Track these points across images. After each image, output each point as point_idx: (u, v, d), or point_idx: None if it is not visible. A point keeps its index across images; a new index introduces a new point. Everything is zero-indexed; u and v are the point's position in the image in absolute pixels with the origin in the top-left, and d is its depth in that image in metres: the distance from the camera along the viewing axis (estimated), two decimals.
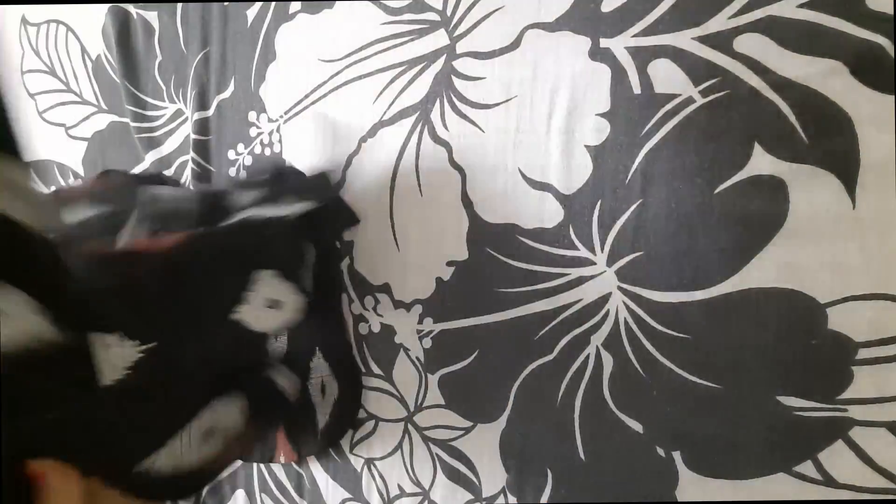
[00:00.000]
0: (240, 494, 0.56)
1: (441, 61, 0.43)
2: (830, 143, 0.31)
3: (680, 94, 0.35)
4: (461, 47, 0.42)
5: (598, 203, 0.38)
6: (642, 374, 0.37)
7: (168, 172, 0.60)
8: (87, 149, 0.67)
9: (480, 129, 0.42)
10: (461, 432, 0.44)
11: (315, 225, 0.45)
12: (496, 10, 0.41)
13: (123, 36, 0.62)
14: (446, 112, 0.43)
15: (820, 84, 0.31)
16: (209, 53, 0.55)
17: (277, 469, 0.53)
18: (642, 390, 0.37)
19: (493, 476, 0.42)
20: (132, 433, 0.30)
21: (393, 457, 0.47)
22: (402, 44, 0.45)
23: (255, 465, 0.55)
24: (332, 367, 0.48)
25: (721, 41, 0.34)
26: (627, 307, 0.37)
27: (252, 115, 0.53)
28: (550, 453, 0.40)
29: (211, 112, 0.56)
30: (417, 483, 0.46)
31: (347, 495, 0.50)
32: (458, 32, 0.42)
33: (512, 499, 0.42)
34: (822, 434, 0.32)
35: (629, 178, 0.37)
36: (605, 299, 0.38)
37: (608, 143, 0.37)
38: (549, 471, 0.40)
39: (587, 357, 0.39)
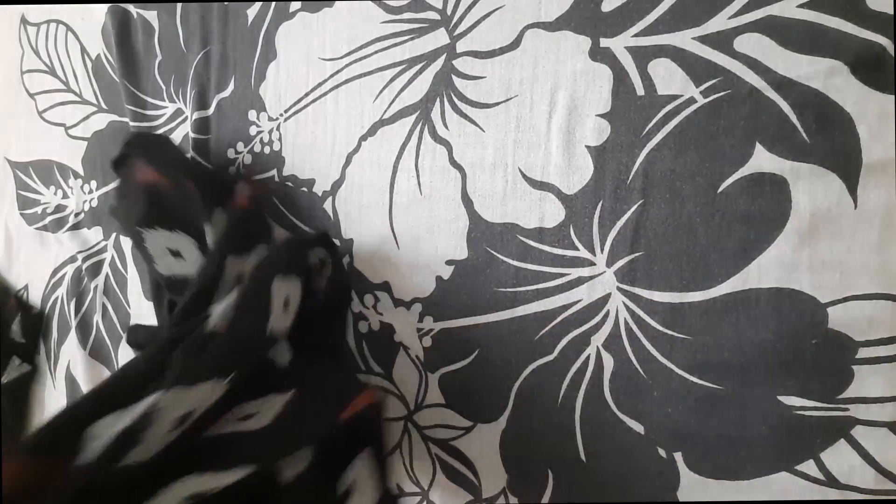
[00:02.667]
0: None
1: (441, 60, 0.43)
2: (832, 142, 0.31)
3: (681, 95, 0.35)
4: (461, 46, 0.42)
5: (599, 203, 0.38)
6: (643, 375, 0.37)
7: None
8: (87, 148, 0.67)
9: (481, 128, 0.42)
10: (461, 432, 0.44)
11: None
12: (496, 9, 0.41)
13: (123, 35, 0.62)
14: (446, 111, 0.43)
15: (820, 83, 0.31)
16: (209, 53, 0.55)
17: None
18: (643, 391, 0.37)
19: (493, 476, 0.42)
20: None
21: (392, 456, 0.47)
22: (402, 42, 0.45)
23: None
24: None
25: (721, 41, 0.34)
26: (627, 308, 0.37)
27: (252, 114, 0.53)
28: (551, 454, 0.40)
29: (211, 111, 0.56)
30: (417, 483, 0.46)
31: None
32: (458, 31, 0.42)
33: (512, 499, 0.41)
34: (823, 433, 0.32)
35: (630, 178, 0.37)
36: (604, 300, 0.38)
37: (609, 143, 0.37)
38: (549, 471, 0.40)
39: (587, 357, 0.39)
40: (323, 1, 0.48)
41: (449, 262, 0.43)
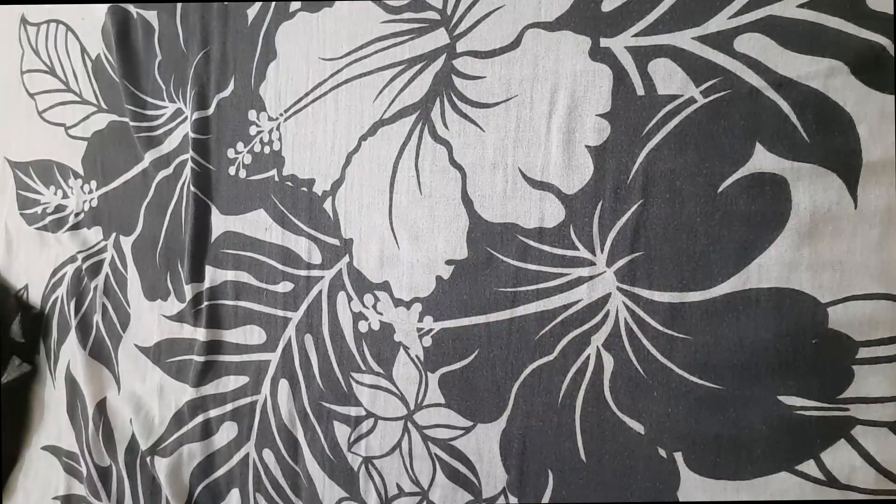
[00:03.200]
0: (234, 494, 0.56)
1: (441, 60, 0.43)
2: (832, 142, 0.31)
3: (681, 95, 0.35)
4: (461, 46, 0.42)
5: (599, 203, 0.38)
6: (643, 375, 0.37)
7: (167, 172, 0.60)
8: (86, 148, 0.67)
9: (481, 128, 0.42)
10: (461, 432, 0.44)
11: None
12: (496, 9, 0.41)
13: (123, 35, 0.62)
14: (446, 111, 0.43)
15: (820, 83, 0.31)
16: (209, 52, 0.55)
17: (273, 467, 0.53)
18: (643, 391, 0.37)
19: (493, 476, 0.42)
20: None
21: (392, 455, 0.47)
22: (402, 42, 0.45)
23: (250, 464, 0.55)
24: None
25: (721, 41, 0.34)
26: (627, 307, 0.37)
27: (252, 114, 0.53)
28: (551, 454, 0.40)
29: (211, 111, 0.56)
30: (416, 483, 0.46)
31: (344, 494, 0.49)
32: (458, 31, 0.42)
33: (512, 499, 0.41)
34: (824, 433, 0.32)
35: (630, 178, 0.37)
36: (604, 300, 0.38)
37: (609, 143, 0.37)
38: (549, 471, 0.40)
39: (587, 357, 0.39)
40: (323, 1, 0.49)
41: (449, 262, 0.43)
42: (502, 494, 0.42)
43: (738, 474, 0.34)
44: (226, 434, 0.56)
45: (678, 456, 0.36)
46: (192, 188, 0.56)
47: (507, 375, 0.41)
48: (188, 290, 0.56)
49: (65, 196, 0.69)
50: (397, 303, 0.46)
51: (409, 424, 0.46)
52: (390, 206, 0.46)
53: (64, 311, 0.68)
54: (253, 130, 0.53)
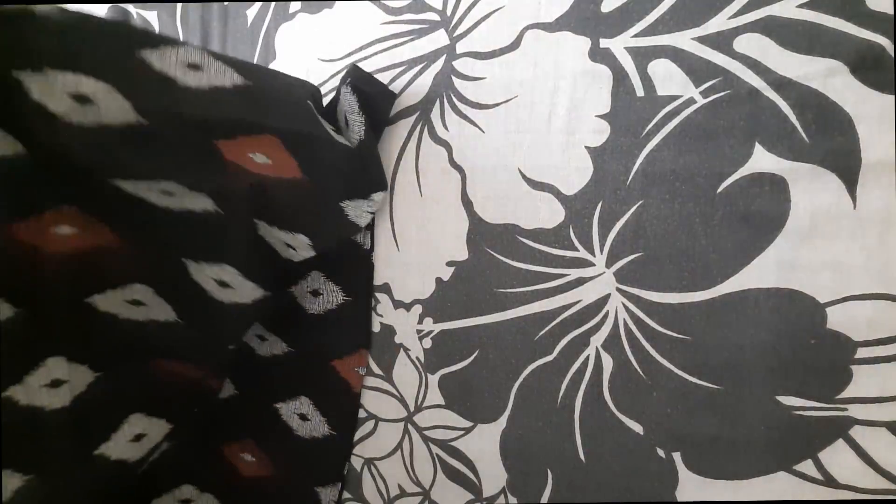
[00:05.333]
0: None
1: (441, 61, 0.43)
2: (831, 142, 0.31)
3: (681, 95, 0.35)
4: (461, 47, 0.42)
5: (599, 204, 0.38)
6: (642, 376, 0.37)
7: None
8: None
9: (480, 129, 0.42)
10: (461, 432, 0.44)
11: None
12: (496, 10, 0.41)
13: None
14: (446, 112, 0.43)
15: (820, 83, 0.31)
16: None
17: None
18: (642, 391, 0.37)
19: (493, 476, 0.42)
20: None
21: (393, 457, 0.47)
22: (402, 44, 0.45)
23: None
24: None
25: (721, 41, 0.34)
26: (627, 308, 0.37)
27: None
28: (551, 454, 0.40)
29: None
30: (418, 483, 0.46)
31: (347, 495, 0.50)
32: (458, 32, 0.42)
33: (512, 499, 0.42)
34: (822, 433, 0.32)
35: (630, 179, 0.37)
36: (604, 300, 0.38)
37: (608, 144, 0.37)
38: (549, 471, 0.40)
39: (587, 358, 0.39)
40: (323, 1, 0.48)
41: (449, 264, 0.43)
42: (502, 494, 0.42)
43: (737, 474, 0.34)
44: None
45: (677, 456, 0.36)
46: None
47: (507, 376, 0.42)
48: None
49: None
50: (397, 304, 0.46)
51: (410, 426, 0.46)
52: (391, 207, 0.46)
53: None
54: None
